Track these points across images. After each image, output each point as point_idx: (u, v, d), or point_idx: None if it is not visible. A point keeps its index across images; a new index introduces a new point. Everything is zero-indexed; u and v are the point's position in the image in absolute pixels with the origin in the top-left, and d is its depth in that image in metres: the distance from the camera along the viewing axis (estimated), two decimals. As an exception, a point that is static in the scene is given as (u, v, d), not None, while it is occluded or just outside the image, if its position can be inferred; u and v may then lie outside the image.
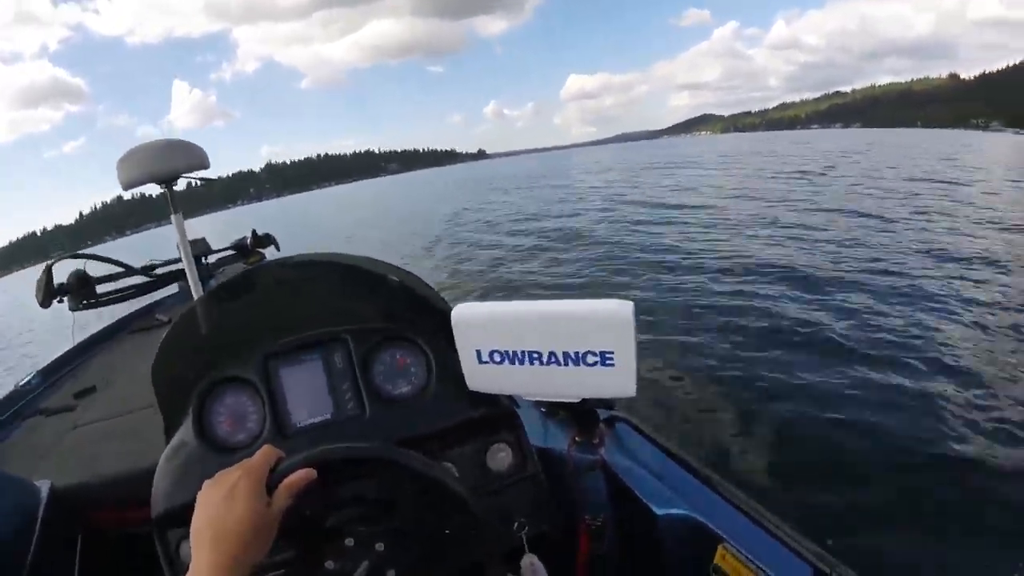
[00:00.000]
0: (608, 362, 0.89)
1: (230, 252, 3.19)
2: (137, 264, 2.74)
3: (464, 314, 0.98)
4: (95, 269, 2.52)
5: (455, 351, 1.05)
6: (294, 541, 0.76)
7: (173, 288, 3.22)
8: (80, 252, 2.55)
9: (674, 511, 1.07)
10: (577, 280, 8.92)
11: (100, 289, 2.57)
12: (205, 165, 2.10)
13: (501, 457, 1.07)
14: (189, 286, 3.04)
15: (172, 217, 2.11)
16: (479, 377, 1.01)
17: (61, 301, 2.48)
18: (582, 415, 1.20)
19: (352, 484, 0.86)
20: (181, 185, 2.14)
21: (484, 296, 8.40)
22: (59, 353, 2.77)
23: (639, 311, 0.87)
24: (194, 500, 0.88)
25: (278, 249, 3.24)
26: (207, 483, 0.74)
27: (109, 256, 2.65)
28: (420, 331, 1.12)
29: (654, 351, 5.17)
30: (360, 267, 1.13)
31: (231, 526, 0.67)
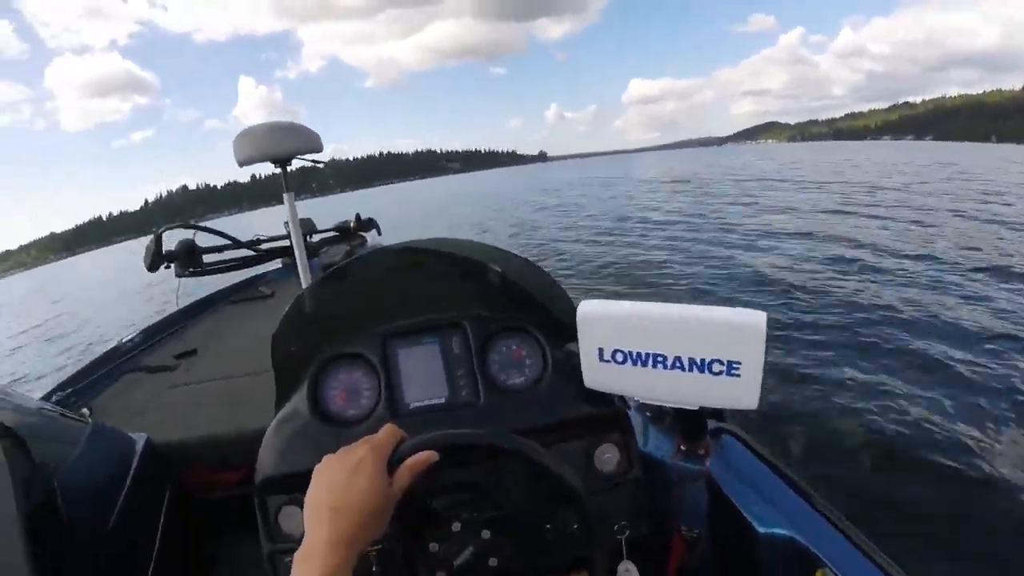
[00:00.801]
0: (734, 372, 0.88)
1: (333, 233, 3.35)
2: (243, 239, 2.90)
3: (591, 310, 0.97)
4: (202, 241, 2.69)
5: (572, 346, 1.06)
6: (401, 521, 0.76)
7: (275, 264, 3.42)
8: (189, 223, 2.72)
9: (776, 530, 1.06)
10: (690, 287, 8.78)
11: (206, 259, 2.75)
12: (318, 148, 2.20)
13: (608, 458, 1.07)
14: (291, 262, 3.23)
15: (284, 196, 2.20)
16: (598, 375, 1.00)
17: (168, 267, 2.67)
18: (690, 423, 1.14)
19: (462, 470, 0.88)
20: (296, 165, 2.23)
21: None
22: (162, 316, 2.95)
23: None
24: (300, 470, 0.93)
25: (379, 233, 3.41)
26: (329, 457, 0.76)
27: (216, 228, 2.81)
28: (538, 323, 1.13)
29: (770, 364, 5.08)
30: (483, 256, 1.14)
31: (353, 502, 0.68)
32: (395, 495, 0.71)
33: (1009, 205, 15.00)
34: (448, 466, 0.77)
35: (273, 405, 1.73)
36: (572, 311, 1.04)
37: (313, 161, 2.29)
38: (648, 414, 1.36)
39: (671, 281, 9.24)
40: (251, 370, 2.07)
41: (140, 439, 1.65)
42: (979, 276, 8.12)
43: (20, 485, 1.17)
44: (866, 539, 0.99)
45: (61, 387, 2.11)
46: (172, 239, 2.62)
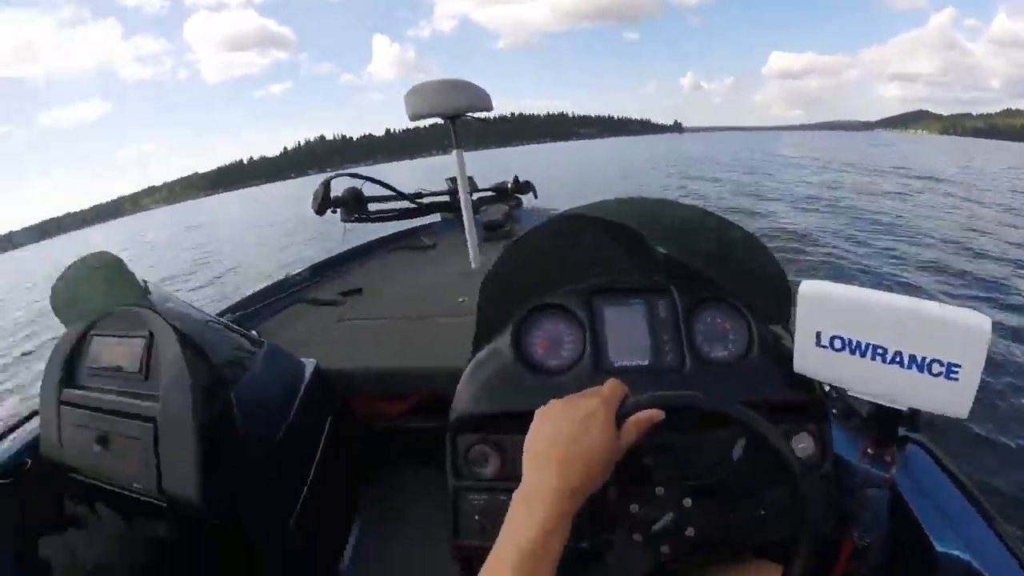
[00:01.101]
0: (952, 375, 0.83)
1: (490, 193, 3.49)
2: (408, 191, 3.05)
3: (814, 291, 0.92)
4: (367, 191, 2.86)
5: (780, 325, 1.08)
6: (611, 477, 0.73)
7: (435, 217, 3.56)
8: (357, 173, 2.88)
9: (954, 552, 1.00)
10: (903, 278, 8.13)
11: (371, 207, 2.92)
12: (488, 107, 2.26)
13: (802, 448, 1.02)
14: (451, 217, 3.37)
15: (454, 152, 2.26)
16: (811, 360, 0.96)
17: (334, 212, 2.86)
18: (884, 426, 1.08)
19: (672, 433, 0.85)
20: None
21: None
22: (329, 255, 3.14)
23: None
24: (496, 412, 0.97)
25: (535, 196, 3.51)
26: (556, 402, 0.75)
27: (382, 180, 2.95)
28: (747, 297, 1.09)
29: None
30: (699, 222, 1.11)
31: (583, 452, 0.68)
32: (620, 450, 0.71)
33: None
34: (664, 428, 0.75)
35: (437, 348, 1.80)
36: (785, 289, 1.04)
37: (482, 118, 2.34)
38: (835, 411, 1.27)
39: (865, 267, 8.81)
40: (413, 314, 2.19)
41: (310, 364, 1.78)
42: None
43: (199, 394, 1.27)
44: None
45: (232, 309, 2.29)
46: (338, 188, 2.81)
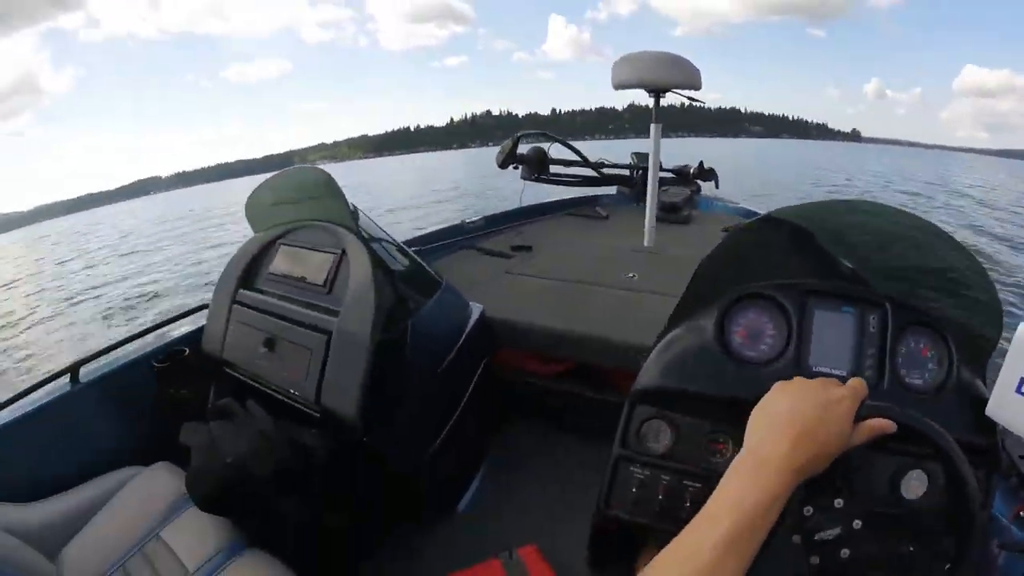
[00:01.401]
0: None
1: (671, 175, 3.45)
2: (592, 159, 3.05)
3: None
4: (552, 153, 2.88)
5: (978, 361, 1.02)
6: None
7: (611, 190, 3.58)
8: (547, 132, 2.92)
9: None
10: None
11: (553, 169, 2.94)
12: (697, 85, 2.21)
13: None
14: (631, 192, 3.34)
15: (652, 127, 2.24)
16: (1007, 406, 0.90)
17: (516, 168, 2.89)
18: None
19: (880, 452, 0.85)
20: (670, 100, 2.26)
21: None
22: (505, 209, 3.20)
23: None
24: (681, 389, 0.97)
25: (717, 186, 3.46)
26: (802, 381, 0.75)
27: (571, 144, 2.97)
28: (958, 328, 1.04)
29: None
30: (929, 239, 1.07)
31: (820, 435, 0.68)
32: (848, 447, 0.71)
33: None
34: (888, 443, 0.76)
35: (599, 317, 1.79)
36: (997, 328, 0.99)
37: (689, 97, 2.29)
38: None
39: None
40: (581, 279, 2.20)
41: (477, 309, 1.84)
42: None
43: (382, 316, 1.32)
44: None
45: (409, 244, 2.35)
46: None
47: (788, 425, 0.68)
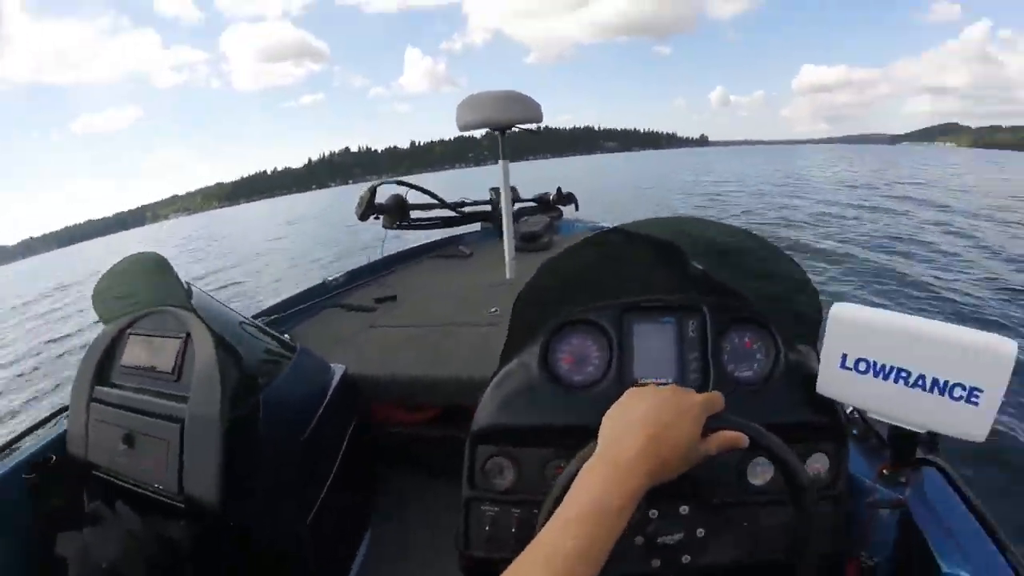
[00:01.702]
0: (973, 399, 0.85)
1: (532, 204, 3.53)
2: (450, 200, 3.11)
3: (844, 314, 0.95)
4: (411, 198, 2.90)
5: (806, 346, 1.08)
6: None
7: (475, 226, 3.60)
8: (402, 180, 2.93)
9: (962, 575, 1.00)
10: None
11: (413, 215, 2.96)
12: (538, 119, 2.28)
13: (816, 468, 1.04)
14: (491, 227, 3.41)
15: (500, 163, 2.28)
16: (834, 382, 0.98)
17: (377, 218, 2.90)
18: (902, 447, 1.13)
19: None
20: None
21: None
22: (366, 261, 3.16)
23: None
24: (517, 425, 0.99)
25: (577, 208, 3.55)
26: (655, 388, 0.76)
27: (426, 188, 3.00)
28: (778, 318, 1.10)
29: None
30: (732, 241, 1.14)
31: (672, 439, 0.69)
32: (700, 455, 0.72)
33: None
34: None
35: (466, 358, 1.80)
36: (816, 310, 1.05)
37: (530, 130, 2.36)
38: (855, 431, 1.31)
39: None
40: (446, 322, 2.21)
41: (338, 369, 1.80)
42: None
43: (228, 394, 1.29)
44: None
45: (268, 312, 2.33)
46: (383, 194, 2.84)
47: (642, 426, 0.69)
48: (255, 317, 2.15)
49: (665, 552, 0.78)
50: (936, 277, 9.54)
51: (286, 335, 1.88)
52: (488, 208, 3.26)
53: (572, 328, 1.08)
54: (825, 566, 1.06)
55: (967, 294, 8.44)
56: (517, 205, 3.37)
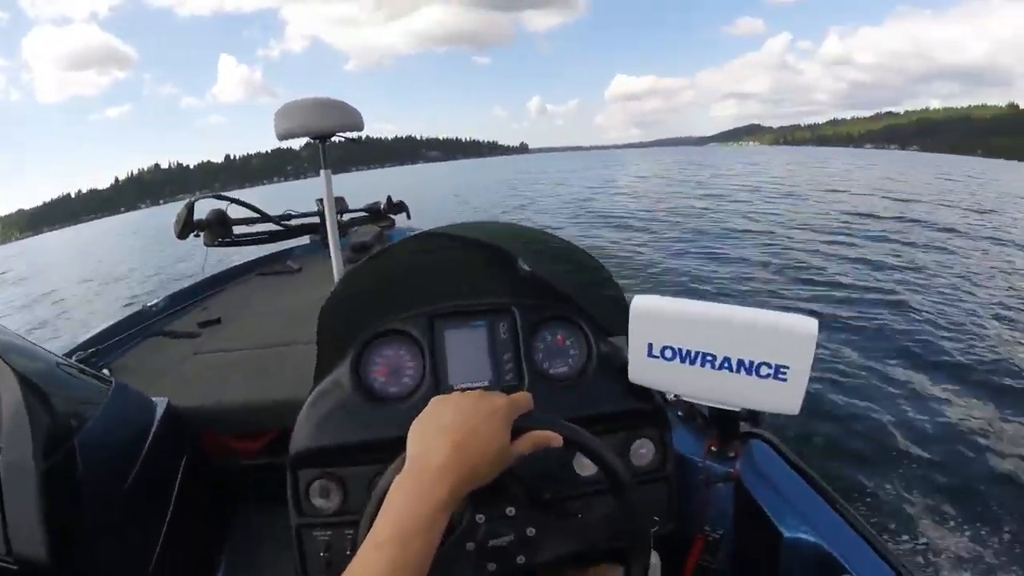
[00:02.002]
0: (781, 376, 0.90)
1: (363, 214, 3.39)
2: (274, 213, 2.92)
3: (644, 305, 0.99)
4: (233, 213, 2.71)
5: (617, 339, 1.11)
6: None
7: (303, 240, 3.44)
8: (222, 194, 2.74)
9: (801, 536, 1.06)
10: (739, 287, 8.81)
11: (236, 230, 2.79)
12: (359, 127, 2.21)
13: (643, 453, 1.07)
14: (321, 239, 3.29)
15: (322, 172, 2.23)
16: (644, 370, 1.02)
17: (198, 236, 2.73)
18: (725, 424, 1.19)
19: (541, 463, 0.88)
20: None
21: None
22: (189, 283, 3.02)
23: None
24: (336, 444, 0.98)
25: (409, 217, 3.45)
26: (460, 394, 0.75)
27: (248, 202, 2.83)
28: (585, 313, 1.13)
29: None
30: (535, 242, 1.16)
31: (480, 443, 0.68)
32: (511, 457, 0.72)
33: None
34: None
35: (296, 378, 1.69)
36: (621, 303, 1.08)
37: (352, 138, 2.29)
38: (680, 412, 1.37)
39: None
40: (275, 342, 2.15)
41: (161, 403, 1.68)
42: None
43: (40, 440, 1.18)
44: (891, 548, 1.00)
45: (84, 346, 2.16)
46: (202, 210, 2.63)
47: (448, 433, 0.68)
48: (71, 353, 2.01)
49: (498, 555, 0.78)
50: (746, 262, 10.37)
51: (105, 370, 1.78)
52: (316, 220, 3.17)
53: (384, 339, 1.08)
54: (672, 545, 1.13)
55: (772, 278, 9.16)
56: (347, 216, 3.28)
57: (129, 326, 2.44)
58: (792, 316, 0.90)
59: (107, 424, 1.43)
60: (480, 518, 0.78)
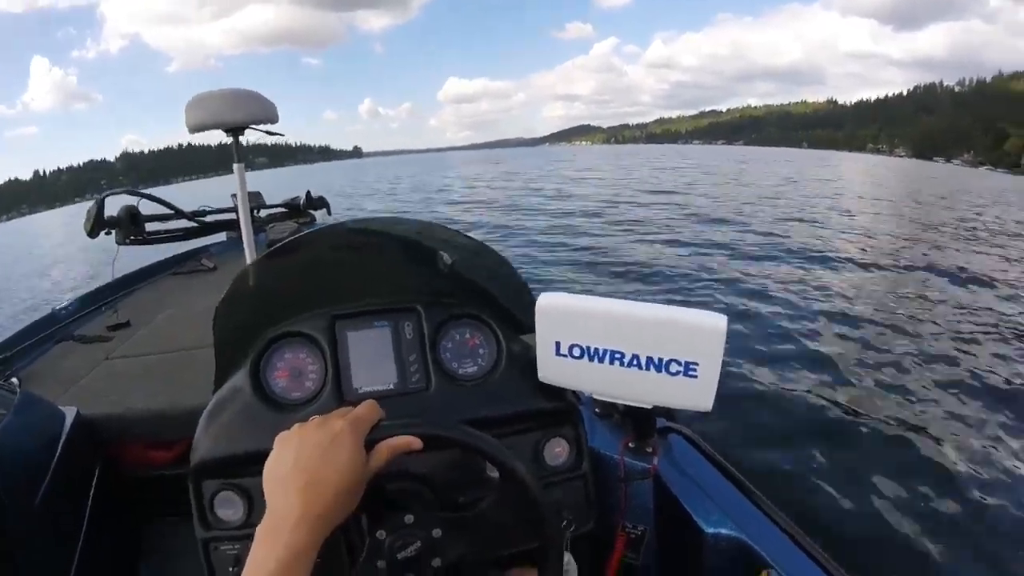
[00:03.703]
0: (691, 373, 0.90)
1: (281, 210, 3.39)
2: (188, 209, 2.88)
3: (550, 303, 0.98)
4: (146, 208, 2.66)
5: (528, 338, 1.09)
6: (359, 504, 0.71)
7: (220, 236, 3.40)
8: (134, 189, 2.67)
9: (721, 531, 1.07)
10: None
11: (149, 227, 2.72)
12: (274, 119, 2.17)
13: (557, 452, 1.06)
14: (237, 236, 3.24)
15: (235, 167, 2.17)
16: (553, 369, 1.01)
17: (109, 233, 2.63)
18: (640, 421, 1.19)
19: (423, 461, 0.86)
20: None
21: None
22: (99, 284, 2.91)
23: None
24: (239, 453, 0.93)
25: (329, 213, 3.46)
26: (300, 426, 0.72)
27: (161, 197, 2.77)
28: (494, 312, 1.12)
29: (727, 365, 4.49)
30: (440, 239, 1.12)
31: (331, 476, 0.65)
32: (369, 474, 0.70)
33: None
34: (425, 452, 0.76)
35: (210, 383, 1.71)
36: (530, 301, 1.04)
37: (268, 132, 2.29)
38: (597, 410, 1.36)
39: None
40: (190, 345, 2.12)
41: (70, 412, 1.61)
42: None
43: None
44: (811, 540, 1.03)
45: None
46: (114, 205, 2.58)
47: (291, 477, 0.65)
48: None
49: (412, 565, 0.77)
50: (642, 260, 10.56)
51: (13, 378, 1.74)
52: (232, 216, 3.12)
53: (283, 342, 1.04)
54: (594, 544, 1.16)
55: (676, 271, 9.48)
56: (264, 212, 3.28)
57: (38, 330, 2.35)
58: (701, 312, 0.90)
59: (12, 437, 1.37)
60: (381, 534, 0.77)
